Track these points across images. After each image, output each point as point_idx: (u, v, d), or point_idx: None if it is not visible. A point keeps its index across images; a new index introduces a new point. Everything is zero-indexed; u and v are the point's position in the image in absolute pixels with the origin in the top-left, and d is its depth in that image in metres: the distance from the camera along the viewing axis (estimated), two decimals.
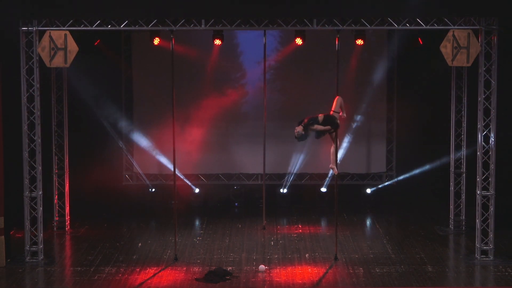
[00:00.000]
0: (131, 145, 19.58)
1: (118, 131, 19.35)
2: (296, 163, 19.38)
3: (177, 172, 15.96)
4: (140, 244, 16.42)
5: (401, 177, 19.61)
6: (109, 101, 19.08)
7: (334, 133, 14.59)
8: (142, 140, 19.40)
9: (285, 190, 19.66)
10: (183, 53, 18.83)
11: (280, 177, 19.63)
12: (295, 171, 19.48)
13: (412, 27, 14.88)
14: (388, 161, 19.77)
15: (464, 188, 17.23)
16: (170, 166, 18.80)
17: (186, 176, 19.49)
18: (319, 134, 14.54)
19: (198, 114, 19.32)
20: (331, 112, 14.54)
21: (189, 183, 19.42)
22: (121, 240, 16.74)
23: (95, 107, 18.84)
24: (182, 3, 14.83)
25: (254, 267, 14.76)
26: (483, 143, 14.95)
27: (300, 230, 17.54)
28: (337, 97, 14.63)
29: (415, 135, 19.31)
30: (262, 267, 14.68)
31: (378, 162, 19.79)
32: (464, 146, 17.12)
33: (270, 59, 18.85)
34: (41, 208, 15.06)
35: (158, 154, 19.36)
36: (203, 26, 14.90)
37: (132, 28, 15.01)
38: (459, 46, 14.63)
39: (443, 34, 14.79)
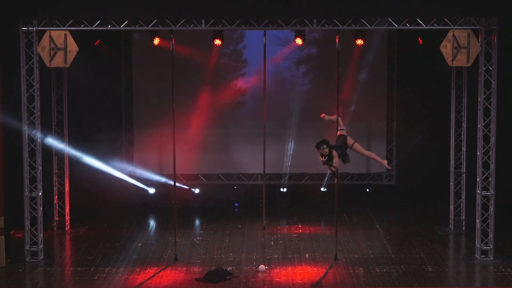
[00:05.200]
0: (131, 145, 19.57)
1: (118, 132, 19.37)
2: (288, 162, 19.42)
3: (175, 175, 15.89)
4: (140, 244, 16.42)
5: (401, 177, 19.66)
6: (109, 101, 19.10)
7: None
8: (142, 140, 19.41)
9: (284, 189, 19.66)
10: (183, 53, 18.84)
11: (280, 177, 19.64)
12: (288, 171, 19.50)
13: (412, 27, 14.87)
14: (388, 161, 19.73)
15: (464, 188, 17.24)
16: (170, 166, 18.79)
17: (186, 176, 19.49)
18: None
19: (198, 114, 19.32)
20: (339, 133, 14.35)
21: (188, 187, 19.46)
22: (121, 240, 16.74)
23: (95, 107, 18.84)
24: (182, 3, 14.84)
25: (254, 267, 14.76)
26: (483, 143, 14.96)
27: (300, 230, 17.54)
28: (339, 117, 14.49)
29: (415, 135, 19.30)
30: (262, 267, 14.68)
31: (378, 162, 19.72)
32: (464, 146, 17.12)
33: (270, 59, 18.80)
34: (41, 208, 15.05)
35: (158, 154, 19.38)
36: (203, 26, 14.90)
37: (132, 28, 15.00)
38: (459, 46, 14.63)
39: (443, 34, 14.79)
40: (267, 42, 16.96)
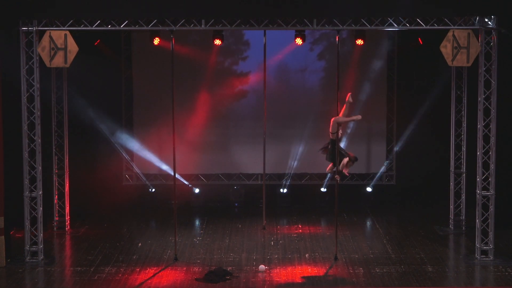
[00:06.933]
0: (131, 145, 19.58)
1: (118, 132, 19.38)
2: (294, 162, 19.38)
3: (176, 174, 15.86)
4: (140, 244, 16.42)
5: (401, 177, 19.65)
6: (109, 101, 19.10)
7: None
8: (141, 140, 19.41)
9: (285, 190, 19.65)
10: (183, 53, 18.83)
11: (280, 177, 19.63)
12: (292, 171, 19.49)
13: (412, 27, 14.88)
14: (388, 161, 19.74)
15: (464, 188, 17.24)
16: (170, 166, 18.79)
17: (186, 176, 19.48)
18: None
19: (198, 114, 19.31)
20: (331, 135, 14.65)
21: (189, 184, 19.44)
22: (121, 240, 16.74)
23: (95, 107, 18.83)
24: (182, 3, 14.82)
25: (254, 267, 14.76)
26: (483, 143, 14.96)
27: (300, 230, 17.53)
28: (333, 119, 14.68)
29: (415, 135, 19.29)
30: (262, 267, 14.68)
31: (378, 162, 19.77)
32: (464, 146, 17.12)
33: (270, 59, 18.76)
34: (41, 208, 15.05)
35: (158, 154, 19.37)
36: (203, 26, 14.90)
37: (132, 28, 15.01)
38: (459, 46, 14.64)
39: (443, 34, 14.79)
40: (272, 37, 16.88)
